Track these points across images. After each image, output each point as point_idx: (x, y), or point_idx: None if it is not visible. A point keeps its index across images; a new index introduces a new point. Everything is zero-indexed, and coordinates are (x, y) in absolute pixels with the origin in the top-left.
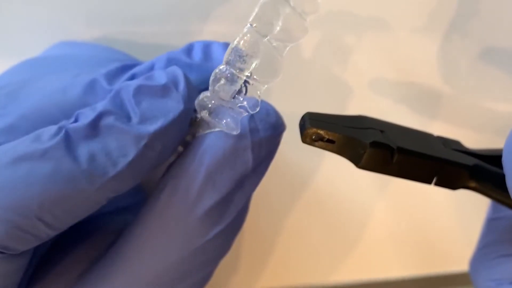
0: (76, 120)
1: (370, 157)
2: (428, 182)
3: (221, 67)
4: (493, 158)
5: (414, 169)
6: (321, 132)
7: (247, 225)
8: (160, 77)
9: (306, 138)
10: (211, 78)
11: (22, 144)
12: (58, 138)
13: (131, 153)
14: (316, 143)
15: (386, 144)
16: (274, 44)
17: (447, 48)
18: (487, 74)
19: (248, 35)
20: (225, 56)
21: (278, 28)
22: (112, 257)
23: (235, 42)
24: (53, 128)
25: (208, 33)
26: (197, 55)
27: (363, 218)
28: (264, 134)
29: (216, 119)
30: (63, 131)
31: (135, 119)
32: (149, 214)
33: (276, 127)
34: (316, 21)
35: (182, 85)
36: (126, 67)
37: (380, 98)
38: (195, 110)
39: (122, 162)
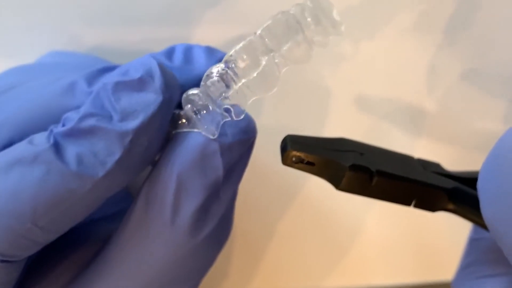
0: (63, 124)
1: (349, 179)
2: (407, 204)
3: (220, 65)
4: (472, 180)
5: (393, 192)
6: (301, 154)
7: (238, 230)
8: (135, 70)
9: (287, 160)
10: (206, 73)
11: (15, 150)
12: (48, 142)
13: (118, 152)
14: (296, 165)
15: (365, 167)
16: (277, 60)
17: (435, 63)
18: (473, 91)
19: (255, 44)
20: (226, 56)
21: (285, 47)
22: (97, 267)
23: (240, 46)
24: (44, 134)
25: (200, 39)
26: (177, 58)
27: (356, 224)
28: (233, 139)
29: (198, 117)
30: (52, 136)
31: (116, 117)
32: (129, 224)
33: (247, 132)
34: None
35: (157, 75)
36: (106, 69)
37: (364, 113)
38: (180, 106)
39: (110, 161)
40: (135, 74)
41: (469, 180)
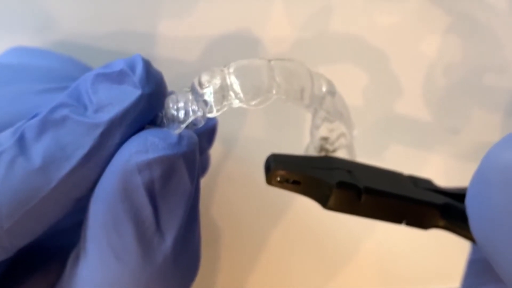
0: (32, 117)
1: (336, 198)
2: (398, 222)
3: (229, 70)
4: (464, 196)
5: (383, 210)
6: (286, 173)
7: (226, 241)
8: (118, 63)
9: (272, 180)
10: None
11: None
12: (12, 139)
13: (87, 144)
14: (281, 185)
15: (353, 184)
16: (283, 97)
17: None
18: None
19: (261, 71)
20: (236, 65)
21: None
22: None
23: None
24: (9, 131)
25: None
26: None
27: (351, 233)
28: (153, 155)
29: (172, 111)
30: (19, 132)
31: (91, 109)
32: (78, 248)
33: (173, 147)
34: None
35: (139, 69)
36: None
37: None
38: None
39: (78, 155)
40: (117, 67)
41: (461, 196)
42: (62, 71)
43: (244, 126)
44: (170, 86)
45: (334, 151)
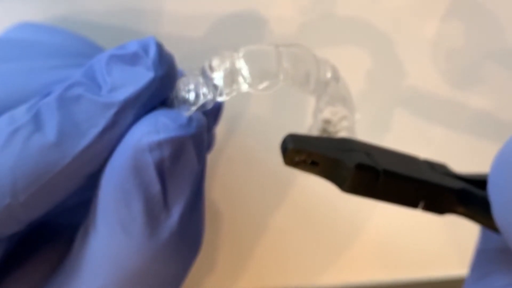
0: (47, 95)
1: (355, 179)
2: (415, 206)
3: (238, 54)
4: (481, 182)
5: (400, 193)
6: (304, 153)
7: (226, 225)
8: (132, 45)
9: (288, 160)
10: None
11: None
12: (28, 115)
13: (101, 123)
14: (299, 166)
15: (371, 167)
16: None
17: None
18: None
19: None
20: (245, 50)
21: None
22: (67, 267)
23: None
24: (24, 107)
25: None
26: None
27: (351, 219)
28: (165, 135)
29: (183, 93)
30: (35, 109)
31: (105, 89)
32: (83, 234)
33: (184, 128)
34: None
35: (152, 51)
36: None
37: (369, 107)
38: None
39: (92, 133)
40: (131, 48)
41: (478, 182)
42: (72, 48)
43: (247, 107)
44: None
45: (336, 133)
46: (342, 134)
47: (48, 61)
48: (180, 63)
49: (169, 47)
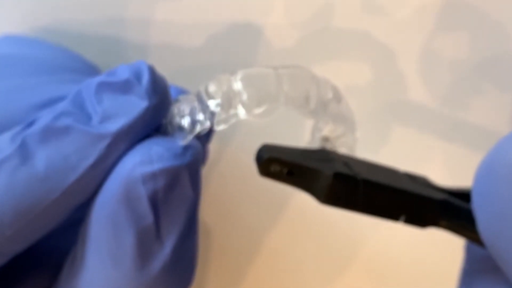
0: (32, 124)
1: (333, 190)
2: (396, 218)
3: (235, 78)
4: (463, 195)
5: (380, 204)
6: (279, 163)
7: (217, 243)
8: (123, 71)
9: (263, 170)
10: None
11: None
12: (12, 146)
13: (93, 155)
14: (275, 176)
15: (350, 176)
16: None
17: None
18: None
19: (269, 79)
20: (242, 73)
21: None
22: None
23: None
24: (8, 135)
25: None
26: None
27: (348, 236)
28: (159, 166)
29: (177, 119)
30: (20, 138)
31: (95, 119)
32: (72, 262)
33: (178, 157)
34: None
35: (145, 78)
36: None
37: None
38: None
39: (83, 166)
40: (122, 75)
41: (460, 195)
42: (54, 61)
43: (240, 121)
44: (165, 74)
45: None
46: (341, 151)
47: (31, 78)
48: (170, 75)
49: (158, 56)
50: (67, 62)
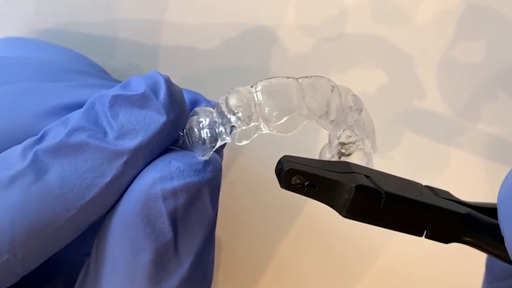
0: (43, 138)
1: (355, 202)
2: (419, 233)
3: (256, 92)
4: (486, 210)
5: (403, 217)
6: (301, 175)
7: (226, 253)
8: (138, 84)
9: (285, 182)
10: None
11: None
12: (25, 161)
13: (110, 173)
14: (296, 189)
15: (373, 189)
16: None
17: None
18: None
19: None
20: (263, 84)
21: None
22: None
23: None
24: (16, 150)
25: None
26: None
27: (361, 246)
28: (178, 183)
29: (195, 131)
30: (32, 153)
31: (111, 135)
32: (84, 280)
33: (199, 173)
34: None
35: (162, 92)
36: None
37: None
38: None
39: (99, 183)
40: (138, 89)
41: (483, 210)
42: (60, 64)
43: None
44: (175, 76)
45: (349, 154)
46: (357, 155)
47: (36, 82)
48: (181, 78)
49: (169, 59)
50: (73, 64)
